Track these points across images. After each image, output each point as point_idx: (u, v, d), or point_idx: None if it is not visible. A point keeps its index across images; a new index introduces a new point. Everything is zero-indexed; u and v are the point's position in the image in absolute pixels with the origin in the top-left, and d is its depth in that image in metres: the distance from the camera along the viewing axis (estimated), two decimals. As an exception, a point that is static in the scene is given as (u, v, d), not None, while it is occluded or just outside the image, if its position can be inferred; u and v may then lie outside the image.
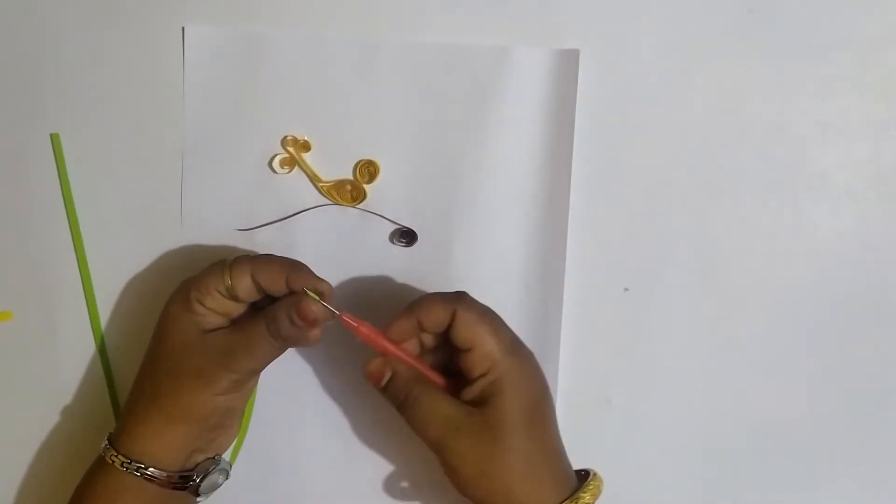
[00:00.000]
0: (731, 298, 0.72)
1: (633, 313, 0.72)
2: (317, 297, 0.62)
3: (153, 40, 0.71)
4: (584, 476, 0.65)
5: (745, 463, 0.73)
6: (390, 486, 0.74)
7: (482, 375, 0.62)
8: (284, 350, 0.64)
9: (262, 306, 0.64)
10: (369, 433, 0.74)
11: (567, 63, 0.70)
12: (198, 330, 0.64)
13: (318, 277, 0.63)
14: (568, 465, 0.65)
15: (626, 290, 0.72)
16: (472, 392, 0.63)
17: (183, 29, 0.70)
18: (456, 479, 0.63)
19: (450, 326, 0.63)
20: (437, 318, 0.63)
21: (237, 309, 0.65)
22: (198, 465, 0.67)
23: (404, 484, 0.74)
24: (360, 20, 0.71)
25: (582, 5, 0.70)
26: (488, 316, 0.63)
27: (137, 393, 0.66)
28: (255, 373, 0.65)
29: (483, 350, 0.62)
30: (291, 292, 0.63)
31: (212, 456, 0.67)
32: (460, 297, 0.64)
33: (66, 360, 0.74)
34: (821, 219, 0.71)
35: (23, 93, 0.71)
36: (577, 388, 0.72)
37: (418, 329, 0.64)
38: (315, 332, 0.63)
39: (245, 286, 0.63)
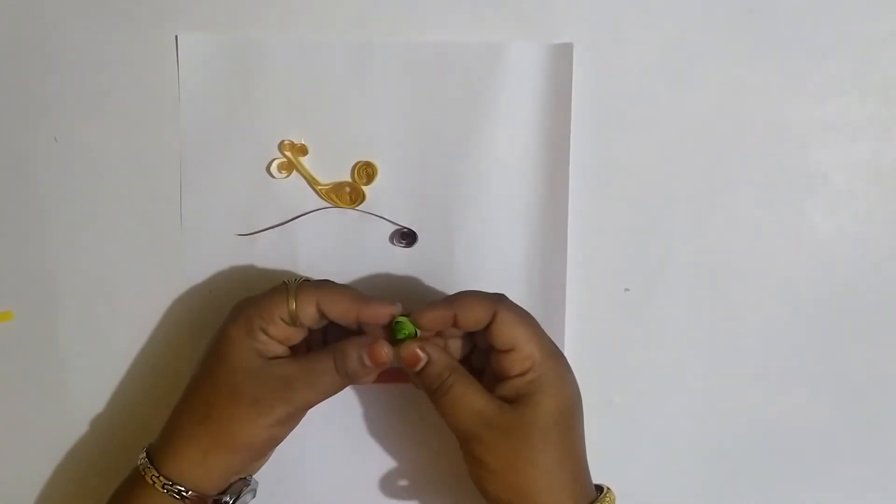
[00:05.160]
0: (731, 298, 0.72)
1: (634, 313, 0.72)
2: (409, 331, 0.63)
3: (147, 49, 0.70)
4: (599, 490, 0.65)
5: (745, 463, 0.74)
6: (392, 484, 0.75)
7: (520, 375, 0.62)
8: (344, 388, 0.64)
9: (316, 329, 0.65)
10: (373, 431, 0.74)
11: (561, 57, 0.70)
12: (259, 357, 0.63)
13: (390, 302, 0.63)
14: (589, 476, 0.65)
15: (627, 290, 0.72)
16: (507, 389, 0.63)
17: (176, 37, 0.70)
18: (479, 471, 0.63)
19: (489, 326, 0.62)
20: (476, 316, 0.62)
21: (298, 335, 0.64)
22: (231, 485, 0.66)
23: (405, 483, 0.75)
24: (352, 22, 0.70)
25: (574, -1, 0.70)
26: (529, 318, 0.64)
27: (187, 410, 0.65)
28: (310, 406, 0.64)
29: (524, 351, 0.62)
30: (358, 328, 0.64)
31: (244, 476, 0.67)
32: (501, 298, 0.64)
33: (68, 360, 0.74)
34: (821, 219, 0.71)
35: (24, 97, 0.71)
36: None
37: (450, 323, 0.63)
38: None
39: (310, 315, 0.63)
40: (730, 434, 0.73)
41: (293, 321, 0.63)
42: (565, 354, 0.71)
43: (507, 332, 0.62)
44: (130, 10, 0.70)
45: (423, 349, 0.63)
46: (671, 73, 0.70)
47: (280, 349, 0.64)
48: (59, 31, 0.70)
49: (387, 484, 0.74)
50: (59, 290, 0.73)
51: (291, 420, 0.64)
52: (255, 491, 0.68)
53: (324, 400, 0.63)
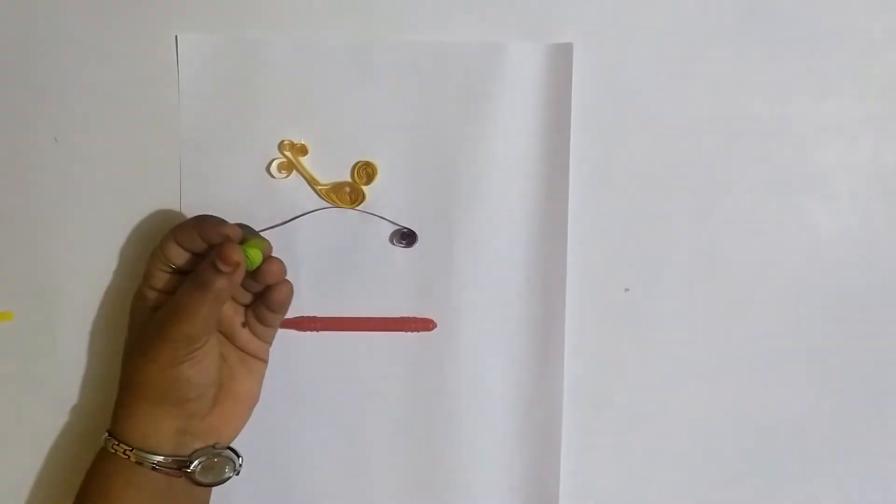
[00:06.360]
0: (731, 298, 0.72)
1: (634, 313, 0.72)
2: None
3: (147, 49, 0.70)
4: None
5: (745, 462, 0.73)
6: (394, 487, 0.74)
7: None
8: (211, 308, 0.63)
9: None
10: (372, 435, 0.74)
11: (561, 57, 0.70)
12: (148, 310, 0.66)
13: (225, 222, 0.65)
14: None
15: (627, 290, 0.72)
16: None
17: (176, 38, 0.70)
18: None
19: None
20: None
21: (176, 280, 0.66)
22: (195, 451, 0.66)
23: (406, 486, 0.74)
24: (352, 22, 0.70)
25: (574, -1, 0.70)
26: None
27: (120, 381, 0.68)
28: (191, 339, 0.63)
29: None
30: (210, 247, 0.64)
31: (211, 444, 0.67)
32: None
33: (67, 361, 0.74)
34: (821, 219, 0.71)
35: (24, 97, 0.71)
36: (579, 388, 0.72)
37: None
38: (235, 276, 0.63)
39: (172, 249, 0.65)
40: (730, 434, 0.73)
41: (166, 262, 0.66)
42: (565, 355, 0.71)
43: None
44: (130, 10, 0.70)
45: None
46: (671, 73, 0.70)
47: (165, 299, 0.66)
48: (59, 30, 0.70)
49: (388, 486, 0.74)
50: (59, 290, 0.73)
51: (183, 357, 0.64)
52: (234, 464, 0.68)
53: (202, 329, 0.63)
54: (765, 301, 0.72)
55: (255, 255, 0.64)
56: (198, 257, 0.65)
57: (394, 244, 0.72)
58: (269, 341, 0.70)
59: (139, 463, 0.65)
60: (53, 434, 0.74)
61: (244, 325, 0.69)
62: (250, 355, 0.69)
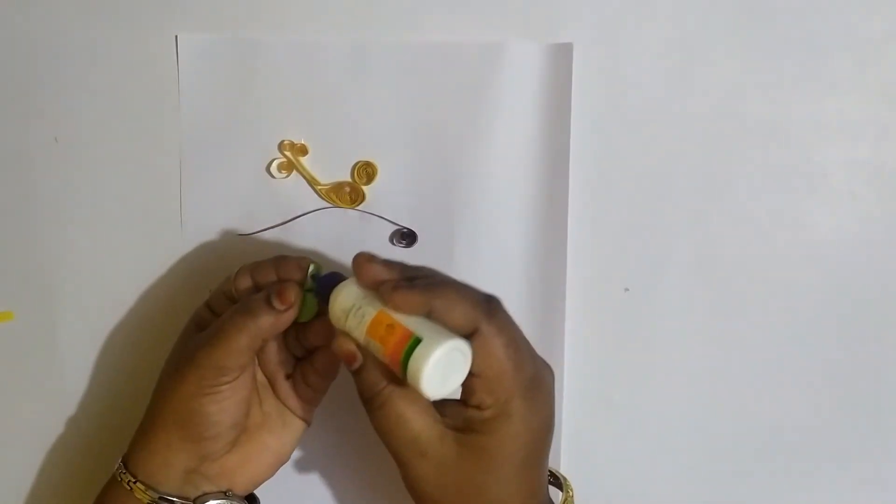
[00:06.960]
0: (731, 298, 0.72)
1: (634, 313, 0.72)
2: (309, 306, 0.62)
3: (147, 49, 0.71)
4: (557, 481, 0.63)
5: (745, 463, 0.73)
6: (394, 487, 0.74)
7: (478, 407, 0.55)
8: (248, 342, 0.59)
9: None
10: (373, 435, 0.74)
11: (561, 57, 0.70)
12: (195, 330, 0.64)
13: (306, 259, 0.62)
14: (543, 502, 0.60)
15: (627, 290, 0.72)
16: (457, 415, 0.56)
17: (176, 37, 0.70)
18: (410, 492, 0.58)
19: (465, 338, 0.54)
20: (453, 322, 0.54)
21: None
22: (204, 494, 0.62)
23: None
24: (351, 22, 0.70)
25: (574, -2, 0.70)
26: (514, 345, 0.55)
27: (149, 402, 0.64)
28: (220, 370, 0.59)
29: (493, 385, 0.54)
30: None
31: (223, 490, 0.63)
32: (491, 312, 0.55)
33: (67, 361, 0.74)
34: (821, 219, 0.71)
35: (24, 97, 0.71)
36: (578, 388, 0.72)
37: (423, 313, 0.55)
38: (287, 316, 0.60)
39: (244, 280, 0.62)
40: (730, 433, 0.73)
41: (231, 288, 0.63)
42: (565, 355, 0.71)
43: (484, 358, 0.54)
44: (130, 10, 0.70)
45: (358, 348, 0.57)
46: (671, 73, 0.70)
47: None
48: (59, 31, 0.71)
49: (384, 487, 0.74)
50: (59, 290, 0.73)
51: (208, 389, 0.59)
52: None
53: (233, 360, 0.59)
54: (765, 301, 0.72)
55: (312, 307, 0.61)
56: None
57: (394, 244, 0.72)
58: (312, 403, 0.65)
59: (126, 484, 0.61)
60: (53, 434, 0.74)
61: (288, 377, 0.65)
62: (290, 410, 0.65)
